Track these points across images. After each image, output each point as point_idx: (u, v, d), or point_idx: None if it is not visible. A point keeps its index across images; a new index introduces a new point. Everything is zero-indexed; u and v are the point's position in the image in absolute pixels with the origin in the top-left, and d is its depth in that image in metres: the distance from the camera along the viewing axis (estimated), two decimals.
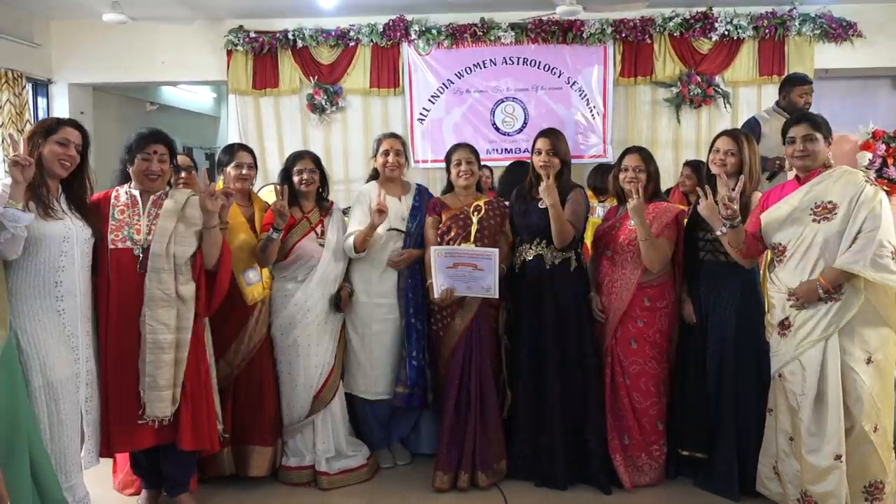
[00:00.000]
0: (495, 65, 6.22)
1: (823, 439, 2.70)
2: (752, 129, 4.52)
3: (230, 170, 3.21)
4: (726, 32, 5.97)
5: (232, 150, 3.30)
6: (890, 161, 3.76)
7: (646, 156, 3.24)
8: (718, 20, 5.95)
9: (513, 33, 6.09)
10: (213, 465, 3.17)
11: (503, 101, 6.26)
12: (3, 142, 5.59)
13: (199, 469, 3.08)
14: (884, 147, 3.75)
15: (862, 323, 2.67)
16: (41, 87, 6.44)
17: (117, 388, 2.68)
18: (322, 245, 3.30)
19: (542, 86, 6.22)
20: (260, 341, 3.21)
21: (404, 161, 3.48)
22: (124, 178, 2.84)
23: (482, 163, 3.66)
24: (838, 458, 2.67)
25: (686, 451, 3.18)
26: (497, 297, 3.15)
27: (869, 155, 3.72)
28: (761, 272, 3.19)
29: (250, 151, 3.32)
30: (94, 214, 2.69)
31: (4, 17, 5.81)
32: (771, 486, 2.96)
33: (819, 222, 2.71)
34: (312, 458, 3.32)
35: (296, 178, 3.30)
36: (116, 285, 2.68)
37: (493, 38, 6.12)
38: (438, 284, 3.15)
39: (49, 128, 2.55)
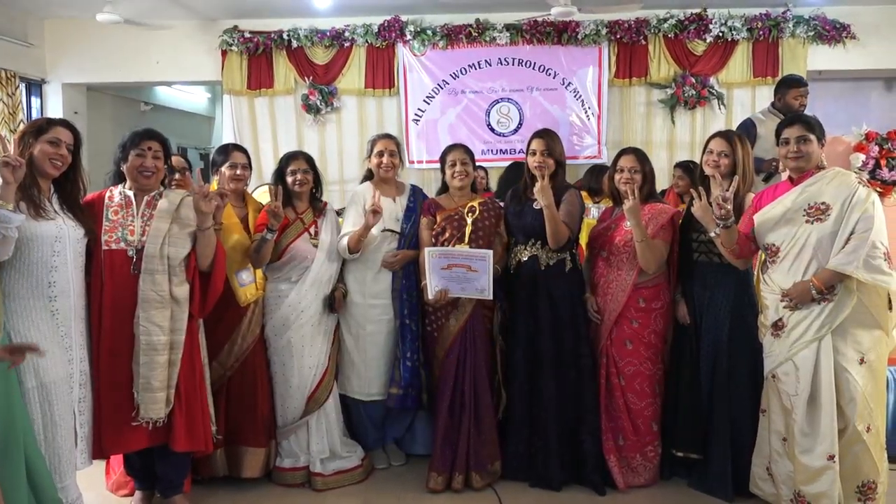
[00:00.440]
0: (490, 65, 6.23)
1: (816, 440, 2.71)
2: (748, 130, 4.54)
3: (224, 170, 3.20)
4: (720, 34, 6.00)
5: (226, 150, 3.29)
6: (883, 162, 3.78)
7: (641, 157, 3.24)
8: (713, 22, 5.98)
9: (508, 34, 6.11)
10: (206, 466, 3.17)
11: (498, 102, 6.27)
12: None
13: (192, 470, 3.07)
14: (877, 149, 3.77)
15: (855, 323, 2.68)
16: (35, 86, 6.42)
17: (110, 389, 2.67)
18: (316, 246, 3.29)
19: (537, 87, 6.24)
20: (253, 342, 3.20)
21: (398, 162, 3.47)
22: (118, 179, 2.83)
23: (477, 163, 3.66)
24: (831, 458, 2.68)
25: (680, 451, 3.18)
26: (491, 298, 3.15)
27: (862, 156, 3.73)
28: (755, 273, 3.20)
29: (244, 152, 3.32)
30: (88, 215, 2.68)
31: None
32: (764, 487, 2.96)
33: (812, 223, 2.72)
34: (307, 460, 3.31)
35: (289, 179, 3.30)
36: (110, 286, 2.67)
37: (488, 38, 6.13)
38: (433, 285, 3.14)
39: (39, 127, 2.54)
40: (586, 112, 6.21)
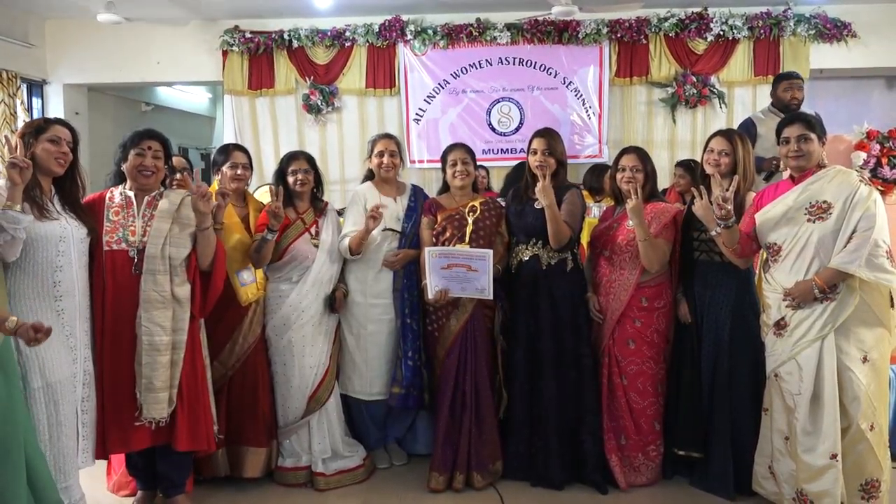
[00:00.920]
0: (491, 65, 6.23)
1: (819, 438, 2.70)
2: (748, 129, 4.54)
3: (225, 170, 3.21)
4: (721, 33, 5.99)
5: (227, 150, 3.29)
6: (884, 161, 3.77)
7: (643, 155, 3.24)
8: (714, 20, 5.98)
9: (508, 33, 6.11)
10: (208, 465, 3.17)
11: (499, 102, 6.27)
12: None
13: (194, 470, 3.07)
14: (878, 147, 3.76)
15: (857, 322, 2.68)
16: (36, 87, 6.42)
17: (113, 389, 2.68)
18: (316, 246, 3.29)
19: (538, 86, 6.23)
20: (254, 342, 3.21)
21: (399, 162, 3.47)
22: (119, 179, 2.83)
23: (478, 163, 3.66)
24: (834, 456, 2.67)
25: (682, 450, 3.17)
26: (491, 298, 3.15)
27: (863, 155, 3.73)
28: (756, 272, 3.19)
29: (245, 152, 3.32)
30: (89, 215, 2.69)
31: None
32: (767, 486, 2.96)
33: (814, 222, 2.71)
34: (308, 459, 3.31)
35: (290, 179, 3.30)
36: (111, 287, 2.68)
37: (488, 38, 6.13)
38: (433, 285, 3.14)
39: (39, 127, 2.55)
40: (587, 111, 6.21)
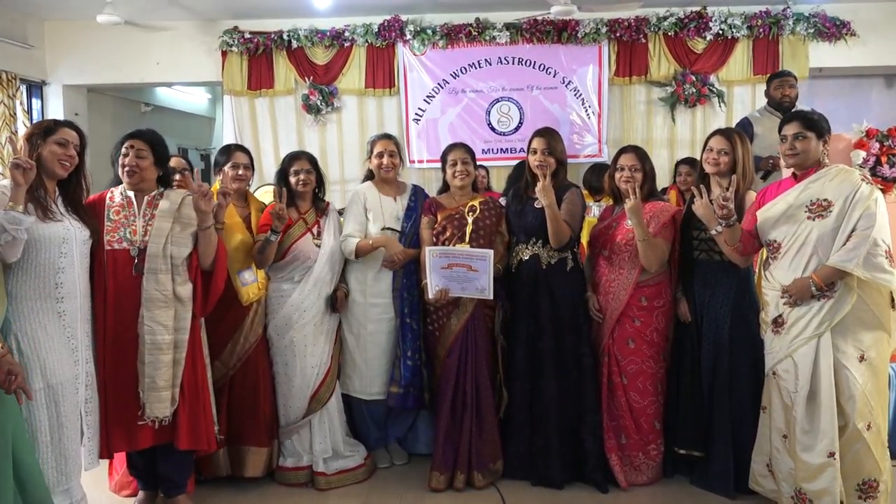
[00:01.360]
0: (490, 65, 6.23)
1: (817, 437, 2.71)
2: (745, 129, 4.56)
3: (227, 170, 3.21)
4: (721, 32, 5.99)
5: (228, 150, 3.30)
6: (884, 159, 3.77)
7: (641, 155, 3.24)
8: (713, 19, 5.97)
9: (508, 33, 6.10)
10: (209, 465, 3.17)
11: (498, 101, 6.26)
12: None
13: (195, 470, 3.08)
14: (877, 145, 3.76)
15: (855, 321, 2.68)
16: (35, 88, 6.42)
17: (116, 389, 2.69)
18: (318, 246, 3.30)
19: (538, 85, 6.23)
20: (255, 342, 3.21)
21: (399, 162, 3.48)
22: (118, 180, 2.84)
23: (478, 163, 3.66)
24: (831, 455, 2.68)
25: (682, 449, 3.18)
26: (491, 298, 3.15)
27: (863, 153, 3.72)
28: (756, 271, 3.19)
29: (246, 152, 3.32)
30: (91, 215, 2.69)
31: None
32: (765, 484, 2.97)
33: (814, 220, 2.72)
34: (309, 459, 3.31)
35: (292, 179, 3.30)
36: (113, 286, 2.68)
37: (488, 38, 6.12)
38: (433, 285, 3.15)
39: (47, 128, 2.55)
40: (587, 111, 6.21)
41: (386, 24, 6.13)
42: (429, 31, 6.13)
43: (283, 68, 6.30)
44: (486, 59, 6.22)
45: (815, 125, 2.80)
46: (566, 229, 3.16)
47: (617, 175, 3.25)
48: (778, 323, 2.82)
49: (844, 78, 6.55)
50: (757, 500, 3.03)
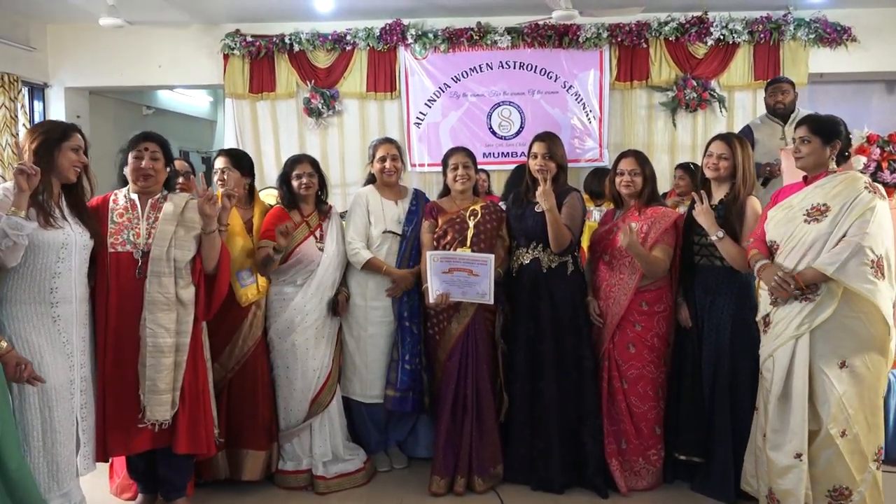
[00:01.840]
0: (492, 69, 6.24)
1: (786, 437, 2.72)
2: (747, 136, 4.56)
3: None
4: (721, 37, 6.01)
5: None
6: (884, 165, 3.77)
7: (641, 159, 3.25)
8: (714, 25, 5.99)
9: (509, 37, 6.12)
10: (208, 468, 3.17)
11: (500, 105, 6.28)
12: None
13: (195, 473, 3.07)
14: (878, 151, 3.76)
15: (840, 328, 2.66)
16: (37, 90, 6.43)
17: (116, 391, 2.68)
18: (321, 249, 3.30)
19: (539, 90, 6.25)
20: (254, 344, 3.21)
21: (401, 166, 3.48)
22: (123, 184, 2.85)
23: (479, 167, 3.66)
24: (798, 456, 2.68)
25: (682, 454, 3.17)
26: (492, 302, 3.15)
27: (863, 159, 3.72)
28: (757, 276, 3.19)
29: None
30: (94, 218, 2.69)
31: (0, 21, 5.80)
32: (753, 483, 2.97)
33: (810, 223, 2.71)
34: (309, 462, 3.31)
35: (295, 183, 3.31)
36: (116, 289, 2.68)
37: (489, 42, 6.14)
38: (434, 289, 3.15)
39: (63, 133, 2.55)
40: (587, 115, 6.22)
41: (388, 27, 6.15)
42: (430, 35, 6.15)
43: (284, 71, 6.32)
44: (487, 64, 6.23)
45: (822, 130, 2.78)
46: (567, 233, 3.16)
47: (617, 179, 3.25)
48: (766, 322, 2.84)
49: (845, 83, 6.56)
50: None
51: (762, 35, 5.98)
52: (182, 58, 6.41)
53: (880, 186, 2.73)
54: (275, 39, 6.22)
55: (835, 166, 2.79)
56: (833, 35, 5.95)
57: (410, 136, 6.30)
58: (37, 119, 6.30)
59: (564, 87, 6.22)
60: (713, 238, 2.92)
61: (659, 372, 3.22)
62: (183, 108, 8.61)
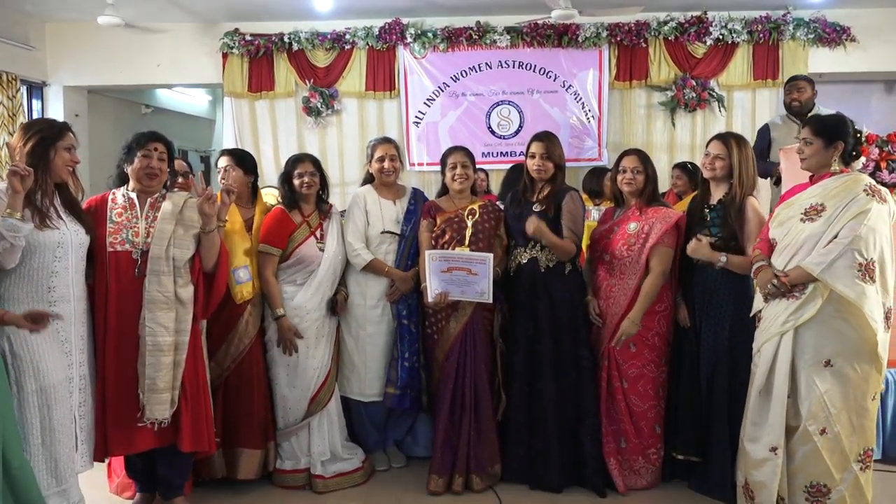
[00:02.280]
0: (491, 68, 6.24)
1: (763, 430, 2.76)
2: (763, 135, 4.59)
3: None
4: (721, 37, 6.01)
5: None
6: (883, 165, 3.78)
7: (644, 158, 3.25)
8: (713, 24, 5.99)
9: (508, 37, 6.12)
10: (206, 467, 3.16)
11: (498, 105, 6.28)
12: None
13: (193, 472, 3.07)
14: (877, 151, 3.77)
15: (826, 328, 2.67)
16: (36, 89, 6.43)
17: (116, 390, 2.68)
18: (322, 249, 3.29)
19: (538, 89, 6.25)
20: (250, 343, 3.19)
21: (399, 165, 3.48)
22: (121, 181, 2.84)
23: (477, 166, 3.66)
24: (773, 450, 2.72)
25: (680, 454, 3.18)
26: (490, 301, 3.15)
27: (862, 159, 3.73)
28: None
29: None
30: (90, 217, 2.69)
31: None
32: (739, 476, 2.99)
33: (805, 222, 2.72)
34: (307, 462, 3.31)
35: (296, 182, 3.30)
36: (115, 288, 2.68)
37: (488, 41, 6.14)
38: (432, 288, 3.15)
39: (58, 132, 2.55)
40: (587, 114, 6.22)
41: (387, 26, 6.15)
42: (429, 35, 6.15)
43: (283, 71, 6.32)
44: (486, 63, 6.23)
45: (824, 131, 2.78)
46: (568, 246, 3.19)
47: (619, 177, 3.25)
48: (758, 318, 2.87)
49: (844, 83, 6.57)
50: None
51: (761, 35, 5.98)
52: (181, 57, 6.41)
53: (885, 190, 2.71)
54: (274, 38, 6.22)
55: (839, 167, 2.78)
56: (832, 35, 5.95)
57: (409, 135, 6.30)
58: (35, 118, 6.29)
59: (563, 86, 6.22)
60: (717, 265, 2.98)
61: (659, 371, 3.22)
62: (182, 107, 8.61)
